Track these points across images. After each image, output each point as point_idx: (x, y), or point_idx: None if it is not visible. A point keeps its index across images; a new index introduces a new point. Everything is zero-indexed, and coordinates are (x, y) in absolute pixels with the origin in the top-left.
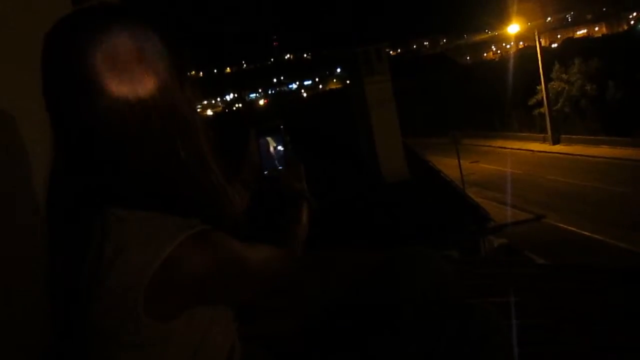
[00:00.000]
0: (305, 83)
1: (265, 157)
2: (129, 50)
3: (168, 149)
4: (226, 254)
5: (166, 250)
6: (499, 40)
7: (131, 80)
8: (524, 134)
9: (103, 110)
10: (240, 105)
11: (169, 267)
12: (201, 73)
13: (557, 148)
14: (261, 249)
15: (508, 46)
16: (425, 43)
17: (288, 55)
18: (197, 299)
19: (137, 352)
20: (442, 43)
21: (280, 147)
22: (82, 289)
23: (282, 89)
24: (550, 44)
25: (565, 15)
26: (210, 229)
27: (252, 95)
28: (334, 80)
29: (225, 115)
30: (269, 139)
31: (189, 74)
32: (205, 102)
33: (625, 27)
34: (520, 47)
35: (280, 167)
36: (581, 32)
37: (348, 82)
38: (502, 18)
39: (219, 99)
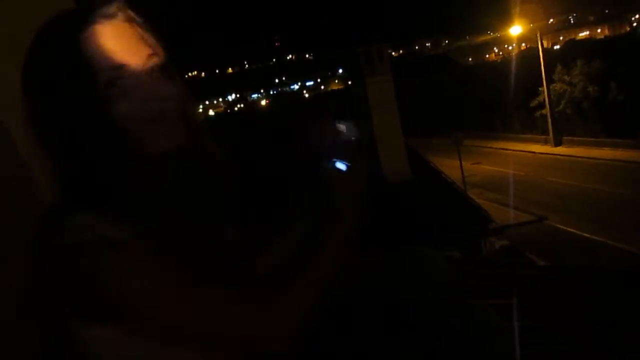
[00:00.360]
0: (307, 84)
1: (328, 146)
2: (119, 49)
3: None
4: (86, 273)
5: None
6: (501, 41)
7: (120, 77)
8: (525, 136)
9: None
10: (242, 105)
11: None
12: (203, 73)
13: (559, 150)
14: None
15: (510, 47)
16: (427, 44)
17: (290, 56)
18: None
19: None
20: (444, 44)
21: (349, 136)
22: None
23: (284, 89)
24: (553, 46)
25: (568, 17)
26: (96, 240)
27: (254, 96)
28: (336, 81)
29: (226, 115)
30: (340, 125)
31: (187, 74)
32: (207, 102)
33: (628, 29)
34: (522, 48)
35: (341, 165)
36: (583, 34)
37: (350, 82)
38: (505, 19)
39: (220, 99)
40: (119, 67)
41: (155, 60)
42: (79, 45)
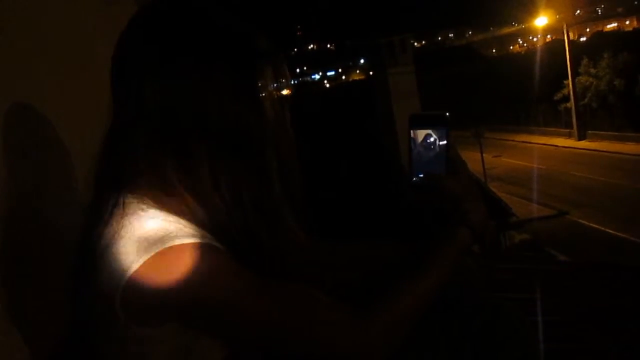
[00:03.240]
0: (329, 74)
1: (419, 156)
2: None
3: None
4: (210, 281)
5: (140, 260)
6: (526, 33)
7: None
8: (548, 129)
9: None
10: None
11: (140, 279)
12: None
13: (583, 144)
14: (289, 299)
15: (535, 39)
16: (450, 35)
17: (311, 46)
18: (171, 319)
19: (121, 350)
20: (467, 35)
21: (442, 143)
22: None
23: (305, 79)
24: (579, 38)
25: (595, 8)
26: (207, 245)
27: (275, 85)
28: (357, 72)
29: None
30: (427, 132)
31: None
32: None
33: None
34: (547, 40)
35: (440, 173)
36: (611, 26)
37: (371, 73)
38: (530, 10)
39: None
40: None
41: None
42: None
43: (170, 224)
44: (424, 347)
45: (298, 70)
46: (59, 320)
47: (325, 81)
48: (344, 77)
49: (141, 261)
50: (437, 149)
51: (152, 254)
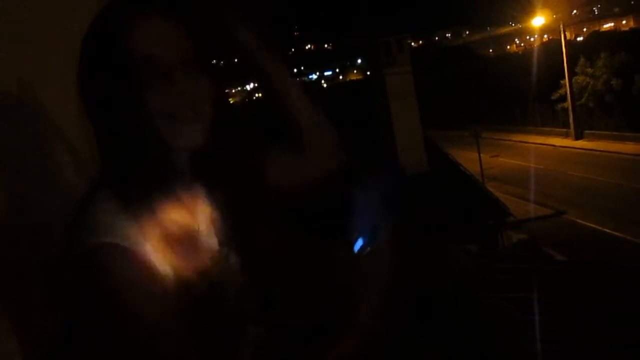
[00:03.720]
0: (326, 74)
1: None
2: (151, 42)
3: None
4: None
5: (79, 251)
6: (523, 33)
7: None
8: (546, 129)
9: None
10: (260, 95)
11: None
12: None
13: (580, 143)
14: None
15: (532, 39)
16: (447, 35)
17: (309, 46)
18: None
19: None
20: (464, 35)
21: (372, 209)
22: None
23: (303, 79)
24: (576, 37)
25: (592, 8)
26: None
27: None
28: (355, 71)
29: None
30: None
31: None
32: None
33: None
34: (544, 40)
35: (367, 244)
36: (608, 26)
37: (368, 73)
38: (527, 10)
39: (239, 88)
40: (149, 59)
41: (187, 55)
42: (117, 37)
43: (122, 226)
44: (421, 346)
45: (295, 70)
46: (58, 320)
47: (323, 81)
48: (341, 77)
49: (78, 252)
50: (369, 213)
51: (90, 246)
